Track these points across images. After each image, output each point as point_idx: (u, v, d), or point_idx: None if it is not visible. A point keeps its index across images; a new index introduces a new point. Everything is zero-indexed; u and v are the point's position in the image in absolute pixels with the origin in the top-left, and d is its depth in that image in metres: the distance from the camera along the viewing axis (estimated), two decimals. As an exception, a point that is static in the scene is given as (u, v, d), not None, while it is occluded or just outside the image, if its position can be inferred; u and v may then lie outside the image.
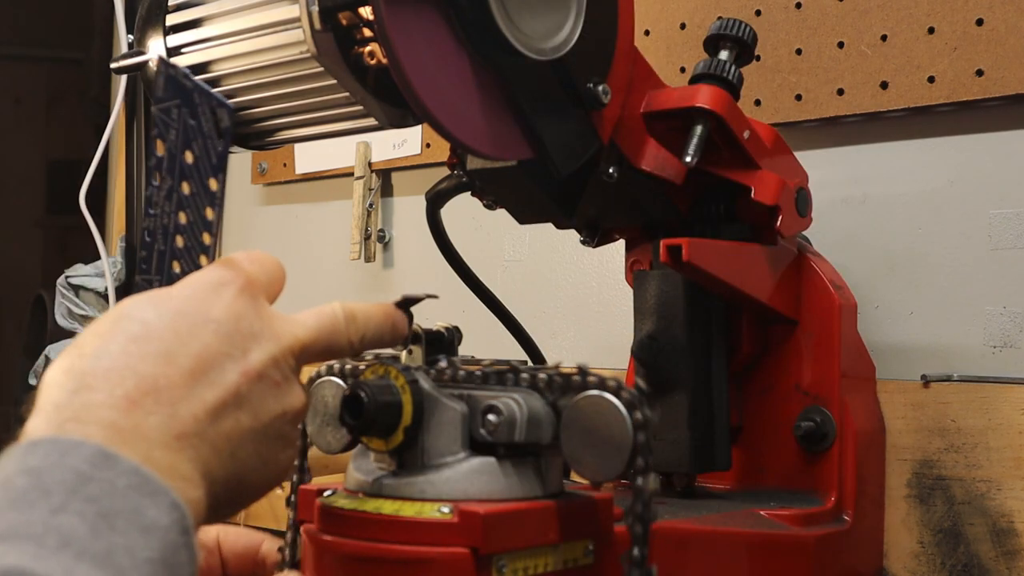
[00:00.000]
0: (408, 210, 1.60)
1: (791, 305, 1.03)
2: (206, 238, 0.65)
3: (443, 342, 0.76)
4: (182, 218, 0.65)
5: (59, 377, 0.55)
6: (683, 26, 1.27)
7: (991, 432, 1.04)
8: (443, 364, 0.72)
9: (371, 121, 0.81)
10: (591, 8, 0.82)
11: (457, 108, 0.78)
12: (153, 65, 0.85)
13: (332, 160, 1.67)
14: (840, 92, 1.16)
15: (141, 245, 0.66)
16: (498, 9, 0.76)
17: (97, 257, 1.92)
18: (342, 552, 0.69)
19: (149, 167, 0.65)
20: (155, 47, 0.85)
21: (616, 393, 0.66)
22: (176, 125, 0.65)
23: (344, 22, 0.76)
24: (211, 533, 0.76)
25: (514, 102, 0.81)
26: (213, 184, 0.65)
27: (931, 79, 1.10)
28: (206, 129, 0.64)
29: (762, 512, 0.94)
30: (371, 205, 1.61)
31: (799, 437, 1.02)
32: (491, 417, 0.68)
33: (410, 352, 0.74)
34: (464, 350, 0.77)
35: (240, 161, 1.84)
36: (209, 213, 0.65)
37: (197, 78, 0.65)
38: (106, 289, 1.92)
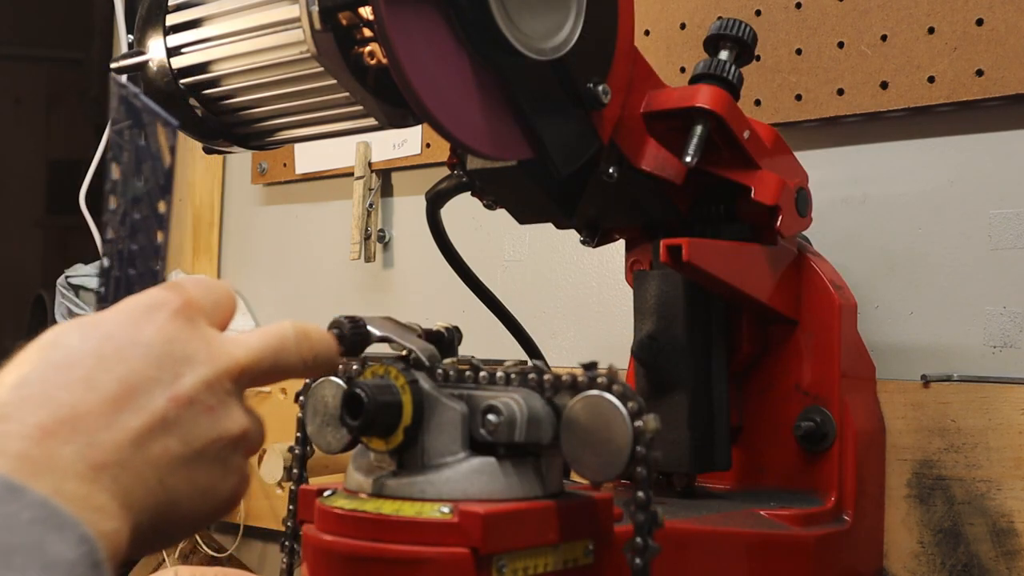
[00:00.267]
0: (408, 210, 1.60)
1: (791, 305, 1.03)
2: (155, 263, 0.63)
3: (443, 342, 0.76)
4: (135, 243, 0.63)
5: None
6: (683, 26, 1.27)
7: (991, 432, 1.04)
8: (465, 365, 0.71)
9: (371, 121, 0.81)
10: (591, 8, 0.82)
11: (457, 108, 0.78)
12: (153, 65, 0.85)
13: (332, 160, 1.67)
14: (840, 92, 1.16)
15: (99, 272, 0.63)
16: (498, 9, 0.76)
17: (97, 257, 1.91)
18: (342, 552, 0.69)
19: (105, 191, 0.63)
20: (155, 47, 0.85)
21: (616, 393, 0.66)
22: (129, 147, 0.63)
23: (344, 22, 0.76)
24: (168, 574, 0.75)
25: (514, 102, 0.81)
26: (162, 206, 0.63)
27: (931, 79, 1.10)
28: (154, 149, 0.62)
29: (762, 512, 0.94)
30: (371, 205, 1.61)
31: (799, 437, 1.02)
32: (491, 417, 0.68)
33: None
34: (464, 350, 0.77)
35: (240, 161, 1.84)
36: (159, 236, 0.63)
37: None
38: (106, 289, 1.91)
